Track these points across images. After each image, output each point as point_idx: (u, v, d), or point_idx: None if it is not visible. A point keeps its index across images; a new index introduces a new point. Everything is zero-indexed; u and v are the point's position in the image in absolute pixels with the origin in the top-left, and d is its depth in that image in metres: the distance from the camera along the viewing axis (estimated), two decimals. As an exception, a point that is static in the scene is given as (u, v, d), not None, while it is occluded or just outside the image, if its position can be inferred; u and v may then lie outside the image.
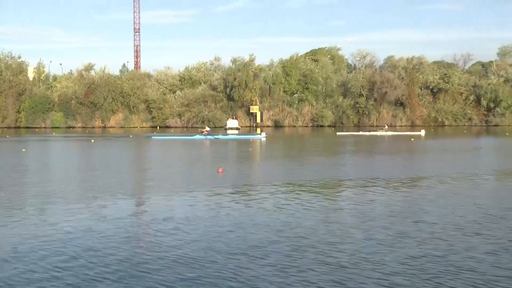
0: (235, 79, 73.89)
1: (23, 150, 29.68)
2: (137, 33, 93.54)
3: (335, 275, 6.50)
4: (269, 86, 75.41)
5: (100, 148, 33.28)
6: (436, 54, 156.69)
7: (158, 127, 72.96)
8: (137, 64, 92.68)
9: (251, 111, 74.75)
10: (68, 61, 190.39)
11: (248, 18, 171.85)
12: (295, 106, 75.79)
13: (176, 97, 77.12)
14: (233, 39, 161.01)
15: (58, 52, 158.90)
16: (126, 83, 77.10)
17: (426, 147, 31.45)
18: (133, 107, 77.36)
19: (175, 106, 75.90)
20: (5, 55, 79.95)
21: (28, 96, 77.65)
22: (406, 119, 73.83)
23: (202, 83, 78.86)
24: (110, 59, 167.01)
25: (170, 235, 8.63)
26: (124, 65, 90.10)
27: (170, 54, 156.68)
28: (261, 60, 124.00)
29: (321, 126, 72.05)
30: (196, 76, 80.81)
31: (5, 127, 73.56)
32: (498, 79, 71.76)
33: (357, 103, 73.91)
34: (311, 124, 74.70)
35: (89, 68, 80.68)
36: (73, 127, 75.31)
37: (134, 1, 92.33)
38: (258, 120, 74.26)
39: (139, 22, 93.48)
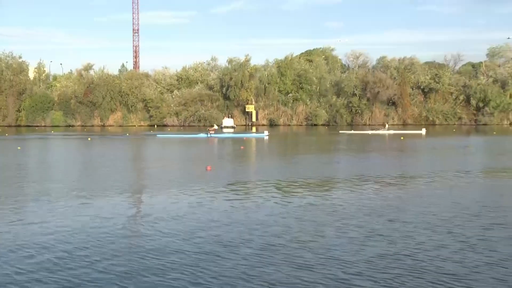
0: (231, 79, 73.80)
1: (18, 148, 29.51)
2: (136, 34, 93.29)
3: (298, 274, 6.41)
4: (264, 85, 75.28)
5: (96, 146, 33.14)
6: (428, 55, 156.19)
7: (155, 126, 72.80)
8: (136, 64, 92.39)
9: (246, 110, 74.69)
10: (69, 61, 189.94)
11: (245, 19, 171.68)
12: (290, 105, 75.72)
13: (173, 96, 76.92)
14: (230, 40, 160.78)
15: (59, 53, 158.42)
16: (125, 83, 76.86)
17: (416, 146, 31.31)
18: (131, 106, 77.16)
19: (172, 105, 75.71)
20: (6, 55, 79.68)
21: (28, 95, 77.33)
22: (398, 118, 73.88)
23: (199, 83, 78.69)
24: (110, 59, 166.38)
25: (133, 232, 8.53)
26: (123, 65, 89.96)
27: (169, 55, 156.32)
28: (257, 60, 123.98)
29: (315, 125, 71.99)
30: (193, 76, 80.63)
31: (6, 126, 73.35)
32: (487, 80, 71.79)
33: (350, 102, 73.83)
34: (305, 123, 74.62)
35: (88, 68, 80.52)
36: (73, 126, 75.12)
37: (133, 2, 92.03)
38: (254, 119, 74.23)
39: (138, 23, 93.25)
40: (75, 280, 6.26)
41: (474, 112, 71.70)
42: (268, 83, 75.32)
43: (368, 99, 73.70)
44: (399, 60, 78.49)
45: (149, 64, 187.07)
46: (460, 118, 72.19)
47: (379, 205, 10.88)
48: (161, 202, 11.53)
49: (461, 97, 72.54)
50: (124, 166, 20.19)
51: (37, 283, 6.19)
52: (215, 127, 44.46)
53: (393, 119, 73.35)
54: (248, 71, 75.10)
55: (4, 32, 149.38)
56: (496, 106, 68.91)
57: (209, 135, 40.82)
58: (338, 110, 73.51)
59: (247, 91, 73.81)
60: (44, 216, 9.95)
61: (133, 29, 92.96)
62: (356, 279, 6.23)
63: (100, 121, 77.21)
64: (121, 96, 76.77)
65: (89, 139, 40.20)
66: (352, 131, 47.51)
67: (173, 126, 72.16)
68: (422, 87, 74.25)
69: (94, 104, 76.10)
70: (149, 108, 76.46)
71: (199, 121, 72.36)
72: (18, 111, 77.48)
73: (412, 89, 74.85)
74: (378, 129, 47.62)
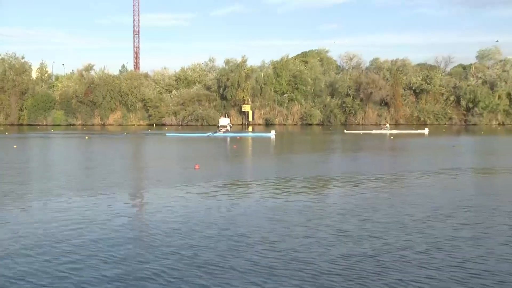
0: (228, 79, 73.59)
1: (14, 146, 29.27)
2: (137, 35, 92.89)
3: (261, 275, 6.22)
4: (261, 86, 75.09)
5: (93, 145, 32.90)
6: (419, 57, 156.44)
7: (154, 125, 72.64)
8: (136, 65, 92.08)
9: (243, 110, 74.51)
10: (71, 62, 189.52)
11: (243, 22, 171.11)
12: (285, 105, 75.54)
13: (172, 96, 76.74)
14: (228, 41, 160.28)
15: (61, 53, 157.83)
16: (124, 83, 76.68)
17: (409, 146, 31.13)
18: (130, 106, 77.00)
19: (170, 105, 75.54)
20: (9, 55, 79.42)
21: (30, 94, 77.12)
22: (390, 118, 73.64)
23: (197, 83, 78.54)
24: (111, 60, 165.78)
25: (110, 230, 8.35)
26: (123, 66, 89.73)
27: (169, 56, 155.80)
28: (253, 61, 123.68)
29: (310, 124, 71.86)
30: (191, 76, 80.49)
31: (8, 124, 73.19)
32: (477, 81, 71.68)
33: (344, 102, 73.68)
34: (300, 122, 74.45)
35: (89, 68, 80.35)
36: (73, 125, 74.91)
37: (134, 4, 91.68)
38: (250, 118, 74.08)
39: (138, 25, 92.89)
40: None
41: (464, 112, 71.65)
42: (264, 84, 75.16)
43: (361, 100, 73.59)
44: (391, 61, 78.48)
45: (150, 65, 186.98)
46: (450, 118, 72.15)
47: (353, 205, 10.66)
48: (134, 201, 11.34)
49: (452, 98, 72.50)
50: (115, 164, 19.98)
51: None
52: (228, 128, 42.61)
53: (385, 119, 73.21)
54: (245, 72, 74.93)
55: (4, 32, 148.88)
56: (485, 106, 68.88)
57: (214, 134, 40.17)
58: (332, 110, 73.40)
59: (243, 91, 73.64)
60: (24, 215, 9.75)
61: (133, 31, 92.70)
62: (317, 279, 6.03)
63: (100, 120, 77.03)
64: (121, 96, 76.66)
65: (86, 138, 39.95)
66: (356, 131, 47.41)
67: (171, 125, 71.98)
68: (414, 88, 74.19)
69: (94, 104, 75.98)
70: (148, 108, 76.34)
71: (197, 120, 72.32)
72: (21, 110, 77.33)
73: (404, 90, 74.76)
74: (381, 129, 47.57)
